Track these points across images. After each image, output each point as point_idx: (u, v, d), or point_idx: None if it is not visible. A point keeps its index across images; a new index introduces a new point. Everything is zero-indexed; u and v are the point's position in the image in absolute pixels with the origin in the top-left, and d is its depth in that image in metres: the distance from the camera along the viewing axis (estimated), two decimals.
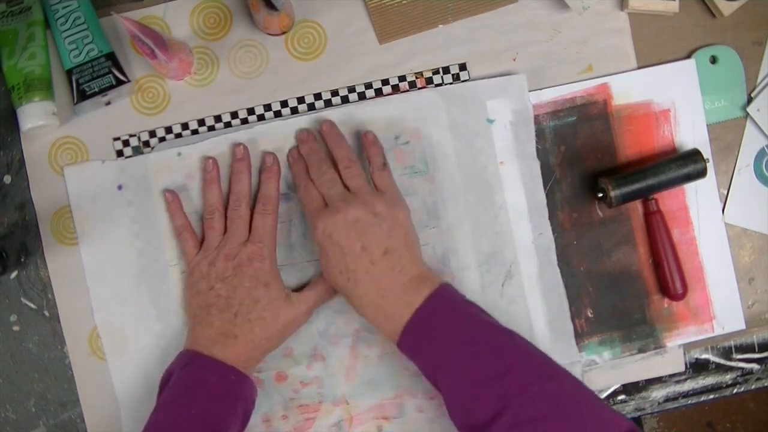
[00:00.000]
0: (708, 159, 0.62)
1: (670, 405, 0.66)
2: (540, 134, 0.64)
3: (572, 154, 0.65)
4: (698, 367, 0.66)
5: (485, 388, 0.50)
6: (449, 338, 0.52)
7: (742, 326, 0.65)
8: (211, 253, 0.60)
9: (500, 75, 0.64)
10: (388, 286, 0.54)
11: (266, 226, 0.60)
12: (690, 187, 0.65)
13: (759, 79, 0.65)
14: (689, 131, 0.65)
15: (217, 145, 0.64)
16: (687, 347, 0.65)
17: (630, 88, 0.64)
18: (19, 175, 0.65)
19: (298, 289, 0.62)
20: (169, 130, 0.65)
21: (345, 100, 0.65)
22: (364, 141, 0.62)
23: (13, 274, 0.65)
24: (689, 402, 0.66)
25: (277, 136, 0.64)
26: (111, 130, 0.65)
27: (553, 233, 0.64)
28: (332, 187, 0.58)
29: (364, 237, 0.55)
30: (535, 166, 0.64)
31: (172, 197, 0.63)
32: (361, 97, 0.65)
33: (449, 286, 0.55)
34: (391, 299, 0.54)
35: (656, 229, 0.64)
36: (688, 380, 0.66)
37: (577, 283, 0.64)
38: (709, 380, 0.66)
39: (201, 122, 0.65)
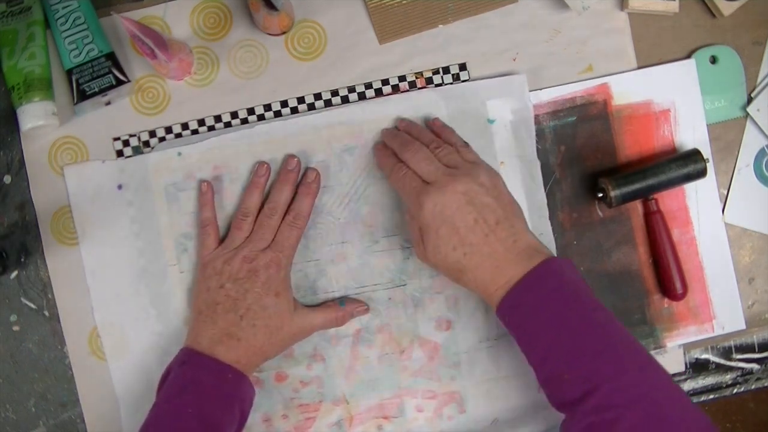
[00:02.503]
0: (708, 159, 0.62)
1: None
2: (540, 134, 0.64)
3: (572, 154, 0.65)
4: (698, 367, 0.66)
5: (577, 366, 0.49)
6: (546, 312, 0.51)
7: (742, 326, 0.65)
8: (229, 252, 0.60)
9: (500, 75, 0.64)
10: (502, 256, 0.53)
11: (291, 239, 0.60)
12: (690, 187, 0.65)
13: (759, 79, 0.65)
14: (689, 131, 0.65)
15: (220, 144, 0.64)
16: (687, 347, 0.66)
17: (630, 88, 0.64)
18: (19, 175, 0.65)
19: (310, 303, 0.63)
20: (169, 130, 0.65)
21: (345, 100, 0.65)
22: (434, 128, 0.62)
23: (13, 274, 0.65)
24: None
25: (277, 136, 0.64)
26: (111, 130, 0.65)
27: (553, 233, 0.64)
28: (431, 164, 0.56)
29: (474, 209, 0.53)
30: (536, 166, 0.64)
31: (207, 188, 0.63)
32: (361, 97, 0.65)
33: (557, 261, 0.53)
34: (504, 268, 0.53)
35: (656, 229, 0.64)
36: (688, 380, 0.66)
37: None
38: (709, 380, 0.66)
39: (201, 122, 0.65)
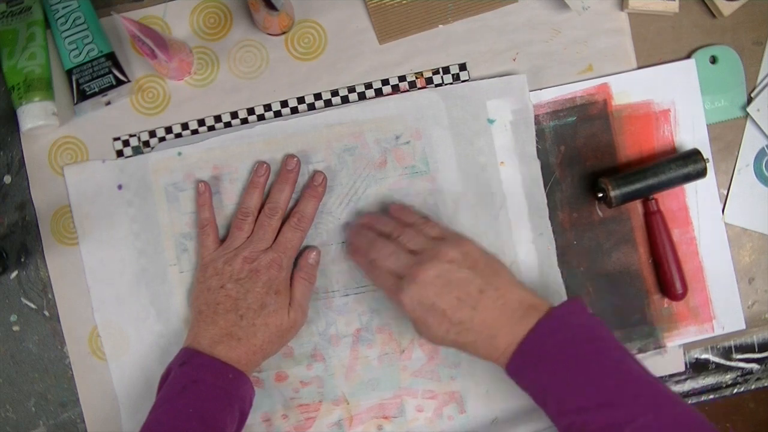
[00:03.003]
0: (708, 159, 0.62)
1: None
2: (540, 134, 0.64)
3: (572, 154, 0.65)
4: (698, 367, 0.66)
5: (594, 414, 0.48)
6: (553, 367, 0.51)
7: (742, 326, 0.65)
8: (230, 252, 0.60)
9: (500, 75, 0.64)
10: (495, 322, 0.52)
11: (293, 241, 0.60)
12: (690, 187, 0.65)
13: (759, 79, 0.65)
14: (689, 131, 0.65)
15: (220, 144, 0.64)
16: (687, 347, 0.65)
17: (630, 88, 0.64)
18: (19, 175, 0.65)
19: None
20: (169, 130, 0.65)
21: (345, 100, 0.65)
22: (393, 213, 0.61)
23: (13, 274, 0.65)
24: (689, 402, 0.66)
25: (277, 136, 0.64)
26: (111, 130, 0.65)
27: (553, 233, 0.64)
28: (398, 259, 0.56)
29: (453, 288, 0.53)
30: (535, 166, 0.64)
31: (205, 188, 0.63)
32: (361, 97, 0.65)
33: (555, 313, 0.52)
34: (500, 336, 0.52)
35: (656, 229, 0.64)
36: (688, 380, 0.66)
37: (577, 283, 0.64)
38: (709, 380, 0.66)
39: (201, 122, 0.65)
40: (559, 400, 0.50)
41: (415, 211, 0.62)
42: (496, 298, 0.53)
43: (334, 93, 0.65)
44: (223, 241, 0.62)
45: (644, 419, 0.47)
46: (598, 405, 0.48)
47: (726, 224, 0.65)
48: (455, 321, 0.53)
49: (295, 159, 0.63)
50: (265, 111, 0.65)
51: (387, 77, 0.65)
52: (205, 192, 0.63)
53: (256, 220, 0.62)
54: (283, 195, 0.62)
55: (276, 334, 0.58)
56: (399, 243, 0.57)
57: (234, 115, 0.65)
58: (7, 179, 0.65)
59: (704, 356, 0.66)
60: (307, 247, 0.63)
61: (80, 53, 0.63)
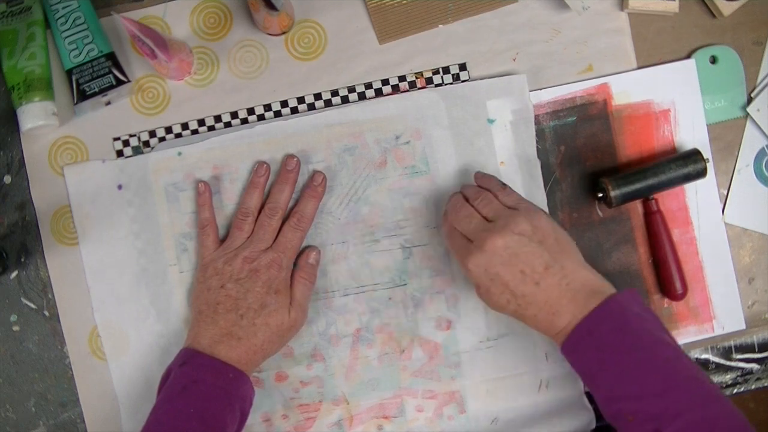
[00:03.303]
0: (708, 159, 0.62)
1: None
2: (540, 134, 0.64)
3: (572, 154, 0.65)
4: None
5: (642, 404, 0.49)
6: (607, 355, 0.51)
7: (742, 326, 0.65)
8: (230, 252, 0.60)
9: (500, 75, 0.64)
10: (558, 301, 0.52)
11: (293, 240, 0.61)
12: (690, 187, 0.65)
13: (759, 79, 0.65)
14: (689, 131, 0.65)
15: (220, 144, 0.64)
16: (687, 347, 0.65)
17: (630, 88, 0.64)
18: (19, 175, 0.65)
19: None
20: (169, 130, 0.65)
21: (345, 100, 0.65)
22: (476, 179, 0.62)
23: (13, 274, 0.65)
24: None
25: (277, 136, 0.64)
26: (111, 130, 0.65)
27: None
28: (470, 222, 0.56)
29: (519, 261, 0.53)
30: (536, 166, 0.64)
31: (204, 188, 0.63)
32: (361, 97, 0.65)
33: (617, 300, 0.52)
34: (561, 314, 0.52)
35: (656, 229, 0.64)
36: None
37: None
38: None
39: (201, 122, 0.65)
40: (609, 386, 0.51)
41: (495, 178, 0.61)
42: (561, 276, 0.53)
43: (334, 93, 0.65)
44: (223, 241, 0.62)
45: (692, 415, 0.47)
46: (649, 395, 0.49)
47: (726, 224, 0.65)
48: (518, 294, 0.53)
49: (295, 159, 0.63)
50: (265, 111, 0.65)
51: (387, 77, 0.65)
52: (205, 192, 0.63)
53: (256, 221, 0.62)
54: (283, 195, 0.62)
55: (276, 333, 0.59)
56: (475, 205, 0.57)
57: (234, 115, 0.65)
58: (7, 179, 0.65)
59: (704, 356, 0.66)
60: (307, 247, 0.63)
61: (80, 53, 0.63)
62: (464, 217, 0.57)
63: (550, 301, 0.52)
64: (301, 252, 0.63)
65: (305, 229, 0.61)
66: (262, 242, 0.60)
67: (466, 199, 0.59)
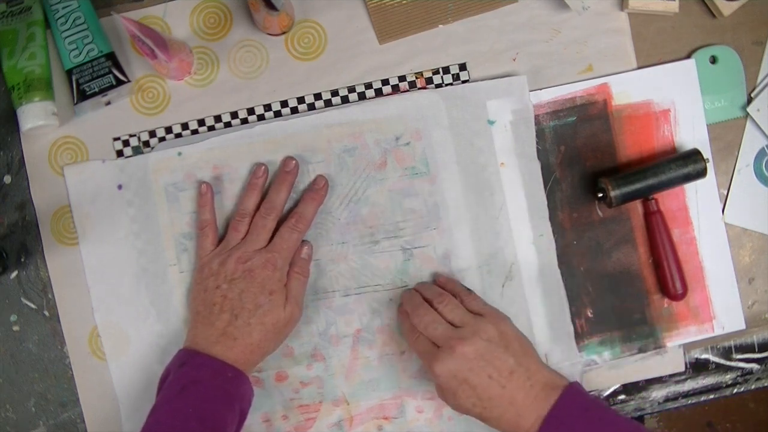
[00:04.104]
0: (708, 159, 0.62)
1: (670, 405, 0.66)
2: (540, 134, 0.64)
3: (572, 154, 0.65)
4: (698, 367, 0.66)
5: None
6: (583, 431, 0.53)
7: (742, 326, 0.65)
8: (225, 253, 0.60)
9: (500, 75, 0.64)
10: (522, 402, 0.54)
11: (290, 241, 0.60)
12: (690, 187, 0.65)
13: (759, 79, 0.65)
14: (689, 131, 0.65)
15: (220, 144, 0.64)
16: (687, 347, 0.65)
17: (630, 88, 0.64)
18: (19, 175, 0.65)
19: None
20: (169, 130, 0.65)
21: (345, 100, 0.65)
22: (440, 284, 0.62)
23: (13, 274, 0.65)
24: (689, 402, 0.67)
25: (276, 136, 0.64)
26: (111, 130, 0.65)
27: (553, 233, 0.64)
28: (436, 328, 0.57)
29: (488, 366, 0.54)
30: (536, 166, 0.64)
31: (207, 189, 0.63)
32: (361, 97, 0.65)
33: (573, 387, 0.55)
34: (526, 414, 0.54)
35: (656, 229, 0.64)
36: (688, 380, 0.66)
37: (577, 283, 0.64)
38: (709, 380, 0.66)
39: (201, 122, 0.65)
40: None
41: (459, 283, 0.63)
42: (526, 378, 0.55)
43: (334, 93, 0.65)
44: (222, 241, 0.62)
45: None
46: None
47: (726, 224, 0.65)
48: (484, 397, 0.54)
49: (294, 161, 0.63)
50: (265, 111, 0.65)
51: (387, 77, 0.65)
52: (207, 193, 0.63)
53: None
54: (280, 196, 0.62)
55: (272, 331, 0.58)
56: (440, 310, 0.58)
57: (234, 115, 0.65)
58: (7, 179, 0.65)
59: (704, 356, 0.66)
60: None
61: (80, 53, 0.63)
62: (430, 322, 0.57)
63: (515, 403, 0.54)
64: None
65: (303, 231, 0.61)
66: (256, 242, 0.60)
67: (426, 300, 0.60)
